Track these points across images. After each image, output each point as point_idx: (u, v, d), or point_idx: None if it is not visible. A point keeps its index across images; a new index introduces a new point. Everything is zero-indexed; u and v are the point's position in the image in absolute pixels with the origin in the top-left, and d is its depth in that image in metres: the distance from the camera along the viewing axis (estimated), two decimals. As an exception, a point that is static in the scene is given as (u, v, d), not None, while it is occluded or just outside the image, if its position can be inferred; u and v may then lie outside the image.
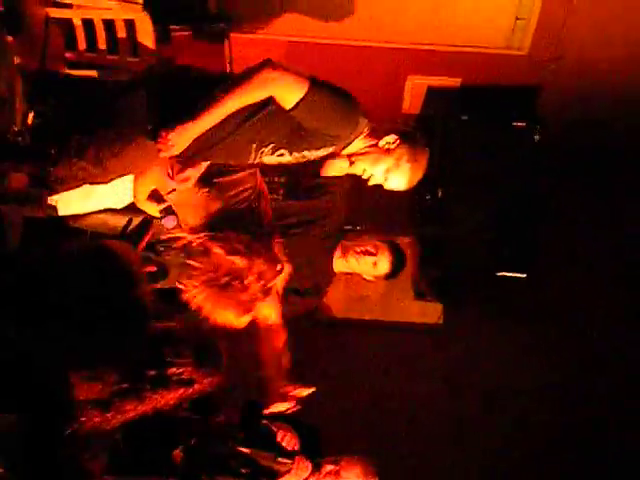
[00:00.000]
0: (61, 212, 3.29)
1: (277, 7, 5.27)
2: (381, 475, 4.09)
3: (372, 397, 5.77)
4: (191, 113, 2.98)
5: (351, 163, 3.35)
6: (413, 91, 5.85)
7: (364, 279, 4.44)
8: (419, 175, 3.44)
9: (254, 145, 3.17)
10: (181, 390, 2.74)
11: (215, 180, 3.37)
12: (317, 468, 4.06)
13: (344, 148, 3.30)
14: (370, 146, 3.32)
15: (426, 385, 5.85)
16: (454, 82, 5.76)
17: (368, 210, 5.85)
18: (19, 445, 2.24)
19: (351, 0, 5.20)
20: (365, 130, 3.28)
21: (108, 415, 2.59)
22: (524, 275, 5.59)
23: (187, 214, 3.31)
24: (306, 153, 3.24)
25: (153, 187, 3.33)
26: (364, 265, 4.31)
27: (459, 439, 5.79)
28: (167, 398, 2.71)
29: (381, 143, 3.31)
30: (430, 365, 5.92)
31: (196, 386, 2.80)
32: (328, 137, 3.21)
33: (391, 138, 3.31)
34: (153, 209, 3.35)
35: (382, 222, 5.87)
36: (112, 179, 3.19)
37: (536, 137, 5.70)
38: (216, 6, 5.18)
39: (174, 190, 3.23)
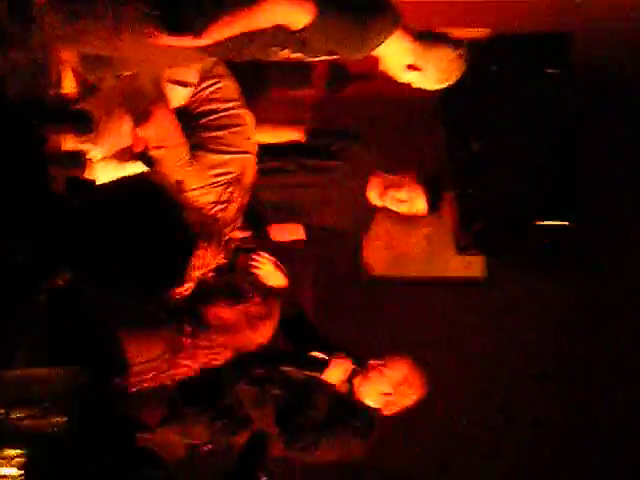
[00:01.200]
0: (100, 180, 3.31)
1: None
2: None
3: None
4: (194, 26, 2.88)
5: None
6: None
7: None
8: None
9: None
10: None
11: (201, 153, 3.46)
12: (361, 365, 4.11)
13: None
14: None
15: (469, 337, 5.86)
16: (484, 32, 5.69)
17: (405, 167, 5.84)
18: (81, 396, 2.28)
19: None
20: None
21: (164, 370, 2.63)
22: (567, 223, 5.55)
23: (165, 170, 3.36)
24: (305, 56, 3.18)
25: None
26: (402, 208, 4.43)
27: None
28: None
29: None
30: (473, 317, 5.90)
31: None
32: (334, 53, 3.18)
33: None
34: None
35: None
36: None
37: (569, 83, 5.64)
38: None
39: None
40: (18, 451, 2.22)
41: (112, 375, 2.61)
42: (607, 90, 5.77)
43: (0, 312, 2.26)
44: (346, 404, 4.09)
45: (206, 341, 3.06)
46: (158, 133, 3.23)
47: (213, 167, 3.51)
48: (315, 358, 4.13)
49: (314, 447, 3.91)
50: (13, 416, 2.17)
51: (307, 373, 4.08)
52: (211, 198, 3.47)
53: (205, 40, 2.88)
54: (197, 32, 2.83)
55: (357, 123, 5.60)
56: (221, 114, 3.57)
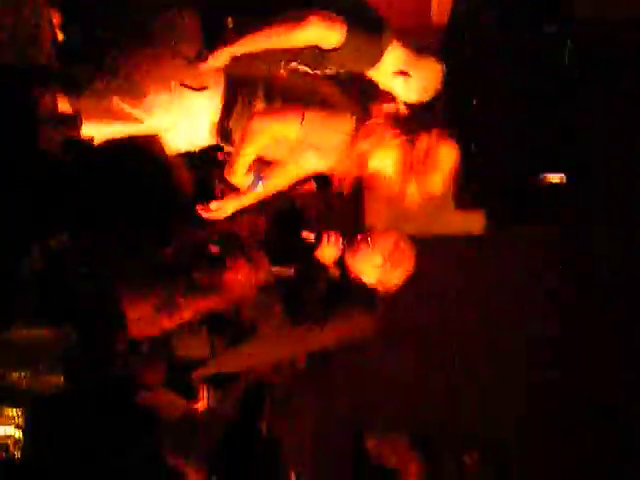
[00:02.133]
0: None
1: None
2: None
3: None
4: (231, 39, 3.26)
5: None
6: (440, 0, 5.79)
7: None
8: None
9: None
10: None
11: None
12: (349, 241, 4.09)
13: None
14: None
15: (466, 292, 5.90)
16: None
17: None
18: (77, 356, 2.30)
19: None
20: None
21: (162, 319, 2.66)
22: (564, 178, 5.55)
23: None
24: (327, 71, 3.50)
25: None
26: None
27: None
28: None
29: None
30: (474, 273, 5.93)
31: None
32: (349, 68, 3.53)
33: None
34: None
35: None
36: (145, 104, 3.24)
37: (568, 41, 5.62)
38: None
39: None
40: (18, 411, 2.25)
41: (108, 333, 2.63)
42: (605, 47, 5.72)
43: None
44: (343, 284, 4.05)
45: (201, 301, 3.07)
46: None
47: None
48: (306, 239, 4.14)
49: (321, 323, 3.84)
50: (11, 377, 2.19)
51: (300, 256, 4.05)
52: None
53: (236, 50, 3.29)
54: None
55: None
56: None
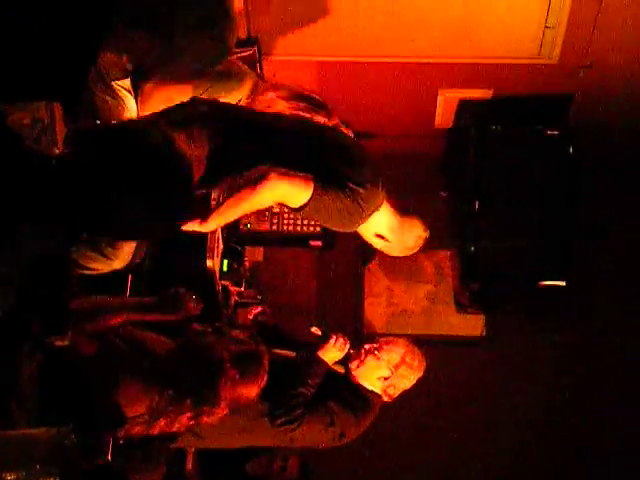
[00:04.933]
0: None
1: (306, 29, 5.32)
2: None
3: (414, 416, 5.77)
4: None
5: None
6: (445, 105, 5.87)
7: None
8: None
9: None
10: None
11: None
12: (356, 349, 4.01)
13: None
14: None
15: (464, 395, 5.86)
16: (485, 94, 5.77)
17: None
18: (73, 457, 2.29)
19: (379, 18, 5.24)
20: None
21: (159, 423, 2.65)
22: (563, 283, 5.57)
23: None
24: None
25: None
26: None
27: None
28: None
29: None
30: (472, 376, 5.91)
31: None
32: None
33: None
34: None
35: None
36: None
37: (569, 146, 5.71)
38: (245, 32, 5.25)
39: None
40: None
41: (104, 432, 2.62)
42: (606, 151, 5.81)
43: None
44: (342, 383, 3.96)
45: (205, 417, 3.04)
46: None
47: None
48: (313, 334, 4.07)
49: (298, 423, 3.71)
50: (5, 478, 2.17)
51: (303, 350, 3.99)
52: None
53: (210, 226, 3.09)
54: (204, 220, 3.03)
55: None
56: None
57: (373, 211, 3.15)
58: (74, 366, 2.70)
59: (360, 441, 3.99)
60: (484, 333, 6.10)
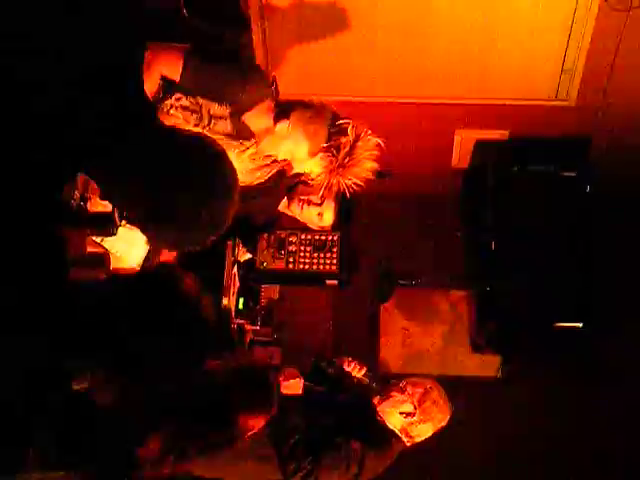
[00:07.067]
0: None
1: (322, 68, 5.36)
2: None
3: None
4: None
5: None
6: (462, 145, 5.89)
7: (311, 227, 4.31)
8: (323, 137, 3.46)
9: None
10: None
11: None
12: (382, 385, 4.03)
13: (242, 111, 3.40)
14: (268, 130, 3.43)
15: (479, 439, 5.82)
16: (502, 135, 5.79)
17: (422, 265, 5.89)
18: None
19: (396, 58, 5.27)
20: (264, 98, 3.38)
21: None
22: (580, 325, 5.54)
23: None
24: (201, 101, 3.37)
25: None
26: (307, 213, 4.18)
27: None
28: None
29: (276, 129, 3.40)
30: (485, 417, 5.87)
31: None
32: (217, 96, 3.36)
33: (284, 124, 3.39)
34: None
35: (437, 276, 5.89)
36: None
37: (587, 186, 5.71)
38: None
39: None
40: None
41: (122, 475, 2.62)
42: (623, 195, 5.80)
43: (14, 413, 2.28)
44: (365, 421, 3.92)
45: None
46: None
47: None
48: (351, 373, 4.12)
49: (315, 473, 3.65)
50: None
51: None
52: None
53: None
54: None
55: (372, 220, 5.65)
56: None
57: (257, 88, 3.31)
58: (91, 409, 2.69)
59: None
60: (499, 374, 6.06)
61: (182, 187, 2.31)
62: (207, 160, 2.36)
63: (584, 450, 5.73)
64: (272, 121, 3.40)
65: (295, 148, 3.44)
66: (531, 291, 5.56)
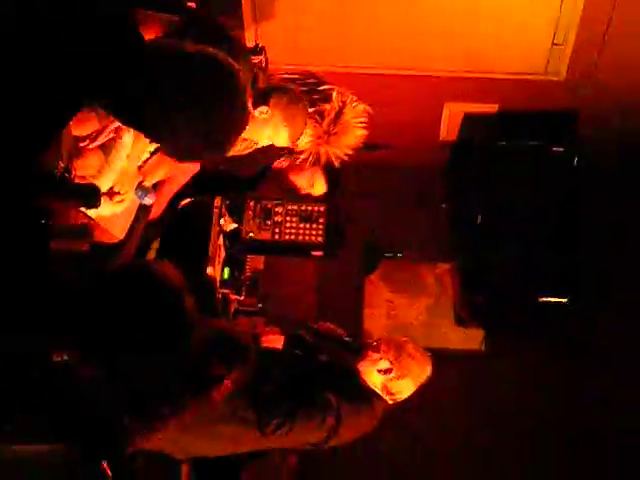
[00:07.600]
0: None
1: (311, 39, 5.32)
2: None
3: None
4: None
5: None
6: (450, 118, 5.87)
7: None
8: (301, 127, 3.50)
9: None
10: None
11: None
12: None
13: None
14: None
15: (464, 414, 5.84)
16: (491, 108, 5.76)
17: (408, 237, 5.88)
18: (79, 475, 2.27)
19: (385, 29, 5.23)
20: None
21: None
22: (565, 300, 5.55)
23: None
24: None
25: None
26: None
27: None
28: None
29: (255, 114, 3.35)
30: (470, 391, 5.89)
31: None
32: None
33: (263, 109, 3.37)
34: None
35: (422, 249, 5.89)
36: None
37: (575, 161, 5.70)
38: (254, 39, 5.24)
39: None
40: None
41: (111, 449, 2.60)
42: (611, 168, 5.80)
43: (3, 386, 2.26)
44: (345, 379, 3.94)
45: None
46: None
47: None
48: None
49: (289, 423, 3.65)
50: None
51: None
52: None
53: None
54: None
55: (361, 189, 5.65)
56: None
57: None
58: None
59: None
60: (483, 348, 6.08)
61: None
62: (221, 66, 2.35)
63: (572, 427, 5.77)
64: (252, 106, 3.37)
65: (275, 134, 3.43)
66: (517, 265, 5.57)
